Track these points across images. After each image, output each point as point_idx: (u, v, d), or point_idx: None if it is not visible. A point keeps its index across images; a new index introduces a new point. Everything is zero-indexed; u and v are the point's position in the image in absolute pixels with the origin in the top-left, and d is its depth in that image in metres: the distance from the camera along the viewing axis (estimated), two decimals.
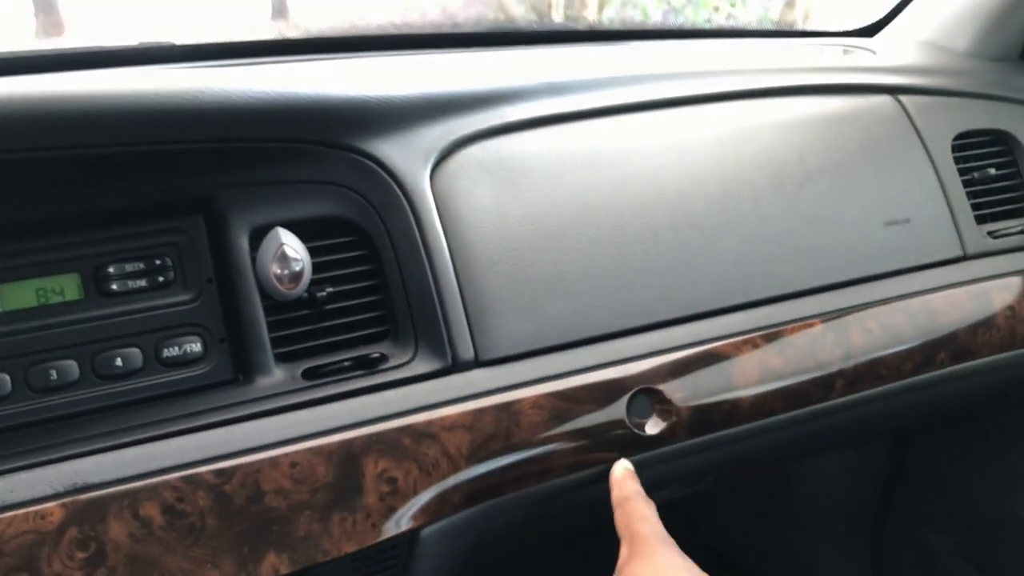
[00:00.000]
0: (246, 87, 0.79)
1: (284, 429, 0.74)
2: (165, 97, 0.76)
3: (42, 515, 0.65)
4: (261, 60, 1.10)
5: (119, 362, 0.75)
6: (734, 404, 0.91)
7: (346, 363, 0.80)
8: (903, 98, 1.14)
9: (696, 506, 1.81)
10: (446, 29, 1.32)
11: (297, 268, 0.78)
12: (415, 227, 0.84)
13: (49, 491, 0.67)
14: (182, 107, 0.76)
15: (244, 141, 0.79)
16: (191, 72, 0.85)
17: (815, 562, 1.69)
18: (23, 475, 0.67)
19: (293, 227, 0.80)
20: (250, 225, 0.79)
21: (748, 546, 1.77)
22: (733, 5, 3.35)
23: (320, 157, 0.82)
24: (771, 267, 0.97)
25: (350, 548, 0.74)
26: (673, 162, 0.97)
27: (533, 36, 1.29)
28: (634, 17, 3.19)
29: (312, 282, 0.80)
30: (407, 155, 0.85)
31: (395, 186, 0.84)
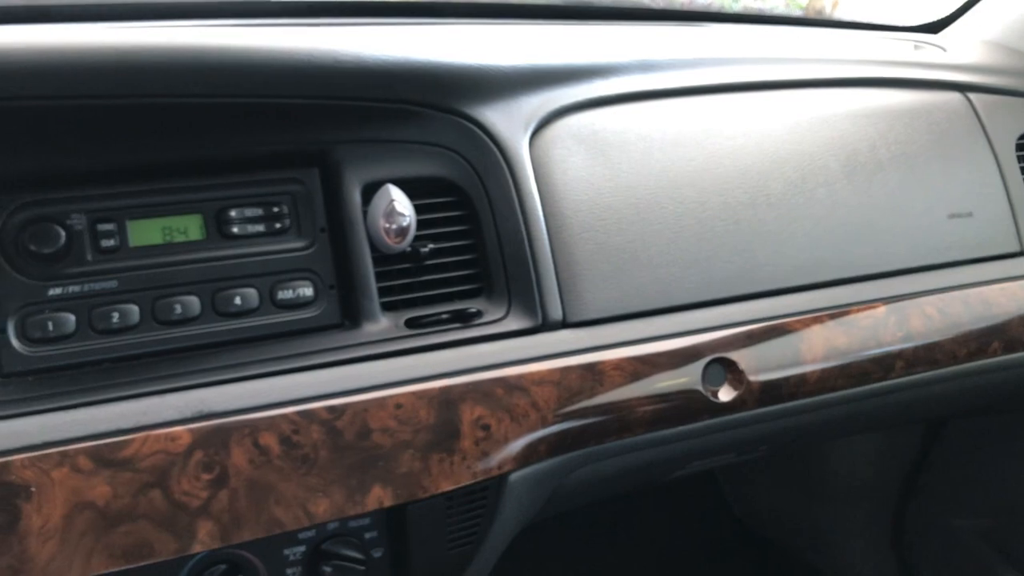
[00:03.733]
0: (361, 50, 0.83)
1: (390, 373, 0.79)
2: (293, 55, 0.80)
3: (172, 437, 0.70)
4: (349, 21, 1.13)
5: (237, 300, 0.79)
6: (801, 378, 0.95)
7: (444, 316, 0.85)
8: (972, 96, 1.17)
9: (726, 479, 1.86)
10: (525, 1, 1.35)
11: (404, 223, 0.82)
12: (513, 191, 0.88)
13: (177, 416, 0.72)
14: (306, 64, 0.80)
15: (360, 100, 0.83)
16: (309, 31, 0.88)
17: (838, 538, 1.75)
18: (154, 400, 0.72)
19: (401, 184, 0.84)
20: (362, 180, 0.84)
21: (773, 519, 1.82)
22: None
23: (430, 120, 0.86)
24: (841, 250, 1.02)
25: (447, 487, 0.79)
26: (755, 143, 1.01)
27: (612, 12, 1.32)
28: None
29: (415, 238, 0.84)
30: (509, 122, 0.89)
31: (497, 151, 0.88)
